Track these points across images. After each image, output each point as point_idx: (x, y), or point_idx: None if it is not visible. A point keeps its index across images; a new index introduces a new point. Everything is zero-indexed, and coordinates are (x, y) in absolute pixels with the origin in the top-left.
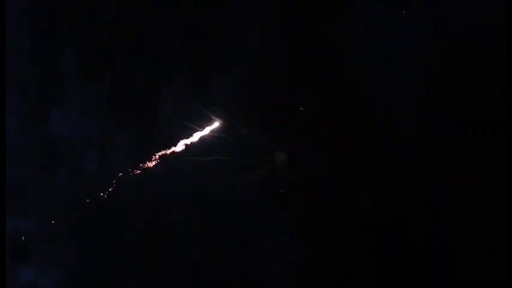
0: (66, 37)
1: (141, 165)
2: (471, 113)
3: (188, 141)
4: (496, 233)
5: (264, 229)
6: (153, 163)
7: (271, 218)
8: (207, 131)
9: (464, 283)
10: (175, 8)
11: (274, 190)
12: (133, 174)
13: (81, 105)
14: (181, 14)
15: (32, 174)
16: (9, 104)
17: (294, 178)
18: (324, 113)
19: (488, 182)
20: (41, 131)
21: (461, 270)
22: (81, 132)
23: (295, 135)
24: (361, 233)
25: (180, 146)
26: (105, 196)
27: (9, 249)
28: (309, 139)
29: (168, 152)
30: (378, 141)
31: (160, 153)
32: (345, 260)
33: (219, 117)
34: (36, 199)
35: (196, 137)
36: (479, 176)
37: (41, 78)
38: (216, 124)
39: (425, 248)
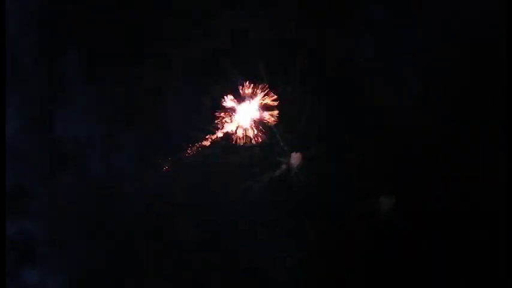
0: (67, 38)
1: (144, 165)
2: (471, 113)
3: (193, 142)
4: (496, 233)
5: (270, 229)
6: (157, 163)
7: (278, 218)
8: (215, 132)
9: (464, 283)
10: (175, 8)
11: (285, 191)
12: (136, 174)
13: (83, 105)
14: (182, 14)
15: (35, 175)
16: (11, 105)
17: (304, 179)
18: (324, 113)
19: (488, 182)
20: (44, 132)
21: (461, 270)
22: (84, 133)
23: (302, 136)
24: (361, 232)
25: (185, 147)
26: (110, 197)
27: (13, 250)
28: (309, 139)
29: (172, 152)
30: (378, 141)
31: (164, 154)
32: (345, 260)
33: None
34: (39, 200)
35: (203, 138)
36: (479, 176)
37: (43, 79)
38: (226, 125)
39: (425, 248)
